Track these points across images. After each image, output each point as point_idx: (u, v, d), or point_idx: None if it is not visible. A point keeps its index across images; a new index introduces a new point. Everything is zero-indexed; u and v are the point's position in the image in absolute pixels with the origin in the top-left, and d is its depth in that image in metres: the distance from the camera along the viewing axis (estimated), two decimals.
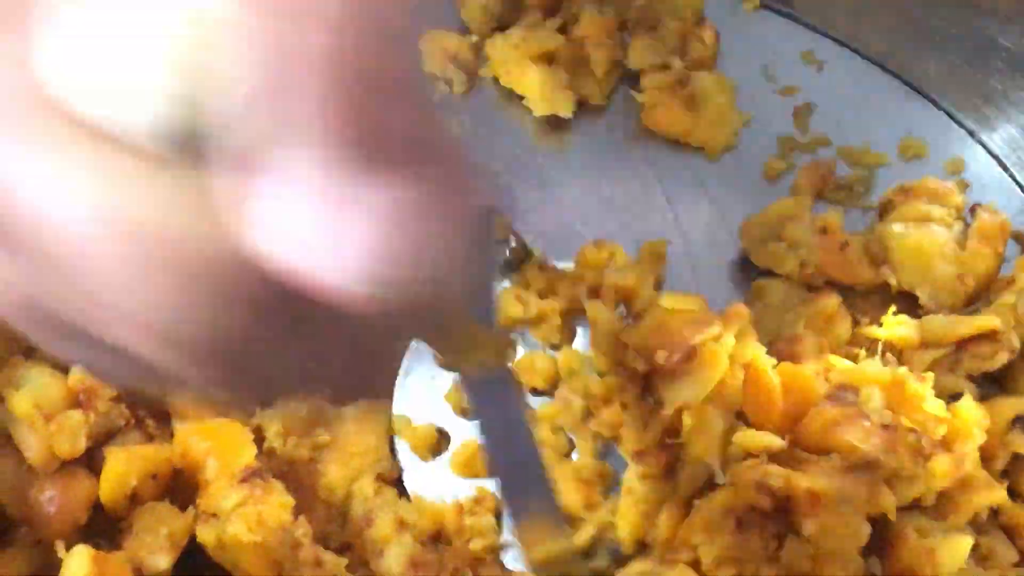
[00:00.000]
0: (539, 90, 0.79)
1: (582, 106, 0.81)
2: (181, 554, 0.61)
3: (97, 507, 0.62)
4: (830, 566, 0.59)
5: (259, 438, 0.65)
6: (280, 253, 0.28)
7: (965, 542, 0.60)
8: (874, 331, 0.68)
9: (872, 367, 0.64)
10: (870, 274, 0.71)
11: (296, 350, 0.33)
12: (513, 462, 0.57)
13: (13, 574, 0.60)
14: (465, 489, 0.65)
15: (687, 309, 0.65)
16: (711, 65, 0.82)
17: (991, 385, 0.69)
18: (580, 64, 0.80)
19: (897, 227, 0.71)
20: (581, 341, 0.69)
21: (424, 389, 0.68)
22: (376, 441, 0.67)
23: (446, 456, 0.67)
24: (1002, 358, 0.67)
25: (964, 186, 0.77)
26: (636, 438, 0.63)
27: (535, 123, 0.81)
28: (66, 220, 0.29)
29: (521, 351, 0.68)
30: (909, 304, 0.71)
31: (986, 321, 0.67)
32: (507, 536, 0.64)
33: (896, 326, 0.68)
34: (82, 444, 0.61)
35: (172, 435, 0.65)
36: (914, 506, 0.61)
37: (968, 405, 0.63)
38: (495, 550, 0.64)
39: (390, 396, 0.68)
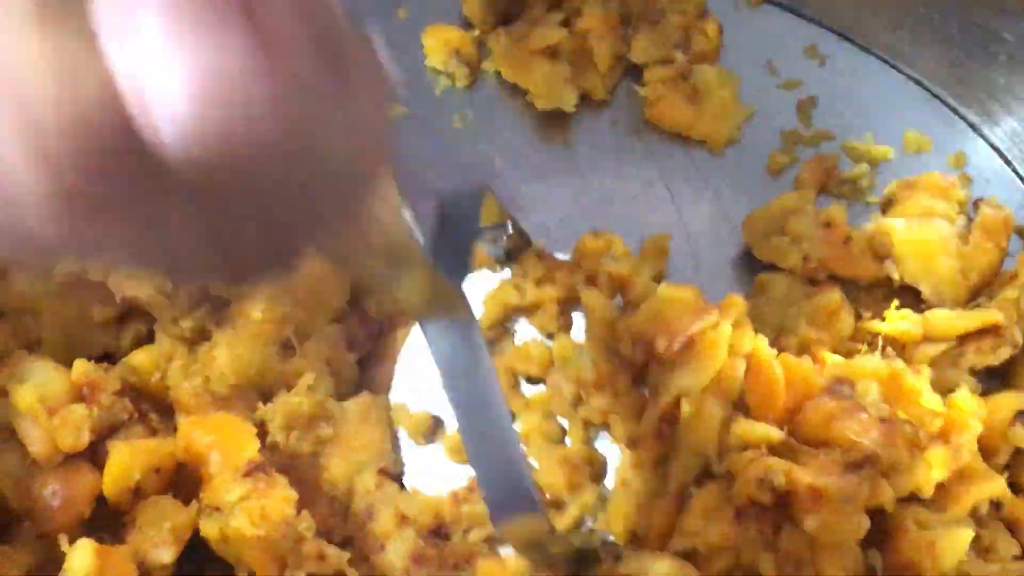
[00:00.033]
0: (542, 84, 0.79)
1: (585, 100, 0.81)
2: (184, 548, 0.61)
3: (100, 501, 0.62)
4: (828, 558, 0.59)
5: (262, 432, 0.65)
6: (123, 72, 0.27)
7: (965, 534, 0.60)
8: (876, 325, 0.68)
9: (869, 361, 0.64)
10: (873, 268, 0.71)
11: (178, 217, 0.31)
12: (472, 404, 0.57)
13: (17, 568, 0.60)
14: (459, 476, 0.66)
15: (683, 297, 0.65)
16: (714, 59, 0.82)
17: (993, 380, 0.69)
18: (583, 58, 0.80)
19: (900, 222, 0.71)
20: (578, 331, 0.69)
21: (420, 378, 0.68)
22: (378, 435, 0.67)
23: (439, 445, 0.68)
24: (1004, 353, 0.68)
25: (967, 180, 0.77)
26: (629, 426, 0.63)
27: (538, 117, 0.81)
28: None
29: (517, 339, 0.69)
30: (912, 299, 0.71)
31: (989, 316, 0.67)
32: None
33: (898, 320, 0.68)
34: (85, 438, 0.62)
35: (175, 429, 0.65)
36: (913, 498, 0.62)
37: (964, 396, 0.64)
38: (492, 539, 0.64)
39: (388, 389, 0.68)
